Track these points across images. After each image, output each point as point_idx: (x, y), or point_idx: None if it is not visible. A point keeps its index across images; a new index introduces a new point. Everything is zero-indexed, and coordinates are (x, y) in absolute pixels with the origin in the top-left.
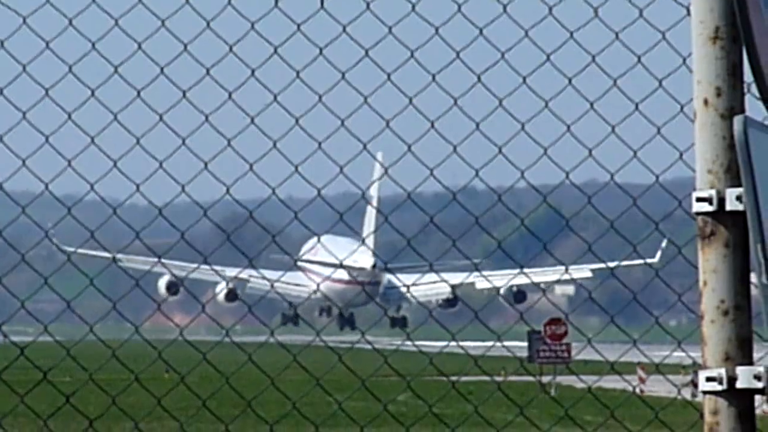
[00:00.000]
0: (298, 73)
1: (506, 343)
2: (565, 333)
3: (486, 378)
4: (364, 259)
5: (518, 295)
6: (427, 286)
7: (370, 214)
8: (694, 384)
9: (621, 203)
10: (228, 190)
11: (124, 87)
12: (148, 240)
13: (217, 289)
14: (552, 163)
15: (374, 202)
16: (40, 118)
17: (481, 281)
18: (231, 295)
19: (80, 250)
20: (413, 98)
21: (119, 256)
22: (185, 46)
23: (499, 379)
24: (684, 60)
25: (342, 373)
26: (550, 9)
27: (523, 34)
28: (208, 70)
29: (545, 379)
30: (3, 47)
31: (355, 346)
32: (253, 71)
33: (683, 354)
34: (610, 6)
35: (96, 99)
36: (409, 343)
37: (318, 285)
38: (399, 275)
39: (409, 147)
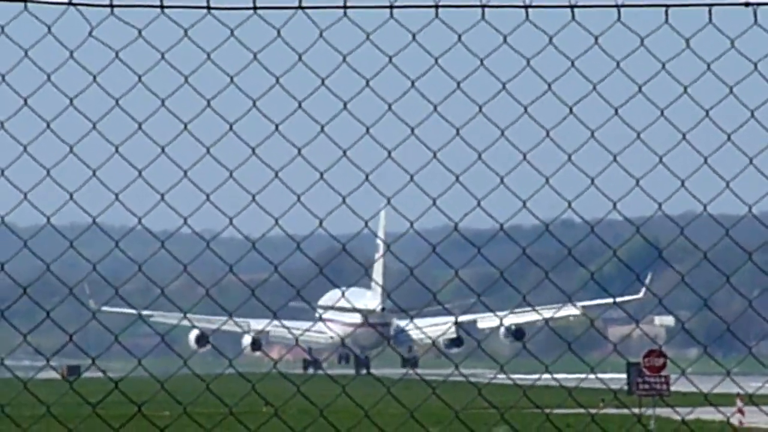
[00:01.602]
0: (390, 106)
1: (607, 375)
2: (664, 365)
3: (588, 411)
4: (373, 303)
5: (517, 333)
6: (432, 328)
7: (380, 260)
8: None
9: (716, 235)
10: (321, 223)
11: (216, 120)
12: (244, 275)
13: (243, 340)
14: (645, 194)
15: (381, 249)
16: (134, 153)
17: (483, 320)
18: (256, 345)
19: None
20: (504, 130)
21: (146, 312)
22: (277, 79)
23: (596, 411)
24: None
25: (438, 406)
26: (642, 40)
27: (615, 65)
28: (300, 103)
29: (646, 411)
30: (96, 82)
31: (450, 379)
32: (345, 104)
33: None
34: (702, 36)
35: (189, 132)
36: (502, 375)
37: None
38: (405, 319)
39: (502, 179)
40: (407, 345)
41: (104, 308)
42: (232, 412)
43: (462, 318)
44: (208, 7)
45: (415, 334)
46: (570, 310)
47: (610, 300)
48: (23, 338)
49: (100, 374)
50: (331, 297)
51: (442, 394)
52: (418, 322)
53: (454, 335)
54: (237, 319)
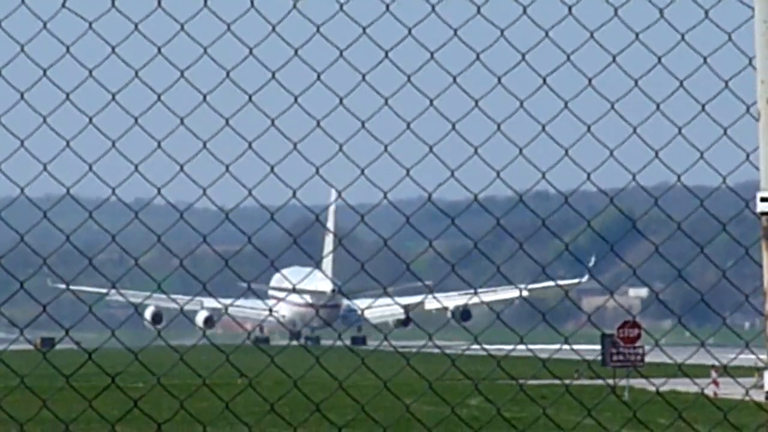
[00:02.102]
0: (363, 76)
1: (582, 347)
2: (639, 336)
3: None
4: (323, 284)
5: (464, 313)
6: (381, 309)
7: (328, 240)
8: None
9: (692, 206)
10: (294, 194)
11: (190, 91)
12: (218, 246)
13: (197, 317)
14: (619, 165)
15: (330, 226)
16: (107, 123)
17: (430, 302)
18: (209, 322)
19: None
20: (478, 101)
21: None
22: (251, 50)
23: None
24: (750, 61)
25: (413, 377)
26: (616, 10)
27: (588, 36)
28: (273, 74)
29: (620, 382)
30: (69, 53)
31: (423, 351)
32: (318, 75)
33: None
34: (675, 7)
35: (162, 103)
36: (477, 346)
37: (265, 310)
38: (356, 300)
39: (476, 150)
40: (357, 324)
41: (62, 286)
42: (206, 383)
43: (409, 300)
44: None
45: (365, 314)
46: (513, 293)
47: (551, 283)
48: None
49: (74, 346)
50: (281, 277)
51: (416, 366)
52: (368, 303)
53: (402, 316)
54: (189, 298)
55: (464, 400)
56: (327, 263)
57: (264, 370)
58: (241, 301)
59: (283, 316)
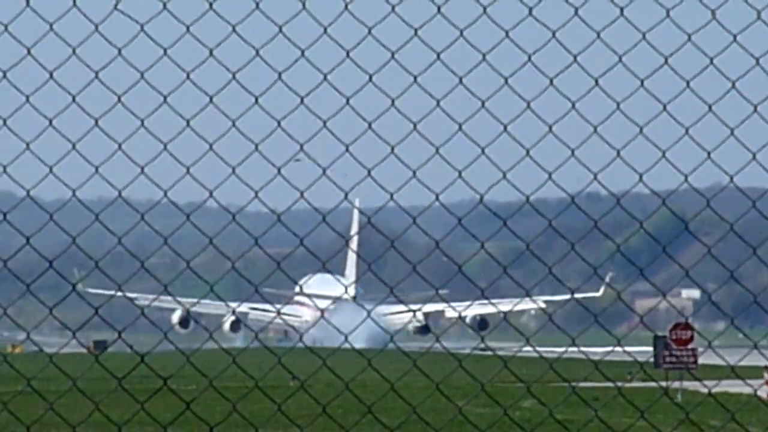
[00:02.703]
0: (415, 78)
1: (634, 349)
2: (691, 338)
3: (610, 384)
4: (341, 288)
5: (481, 323)
6: (401, 315)
7: (352, 253)
8: None
9: (744, 207)
10: (346, 196)
11: (241, 93)
12: (270, 249)
13: (224, 321)
14: (672, 166)
15: (354, 244)
16: (160, 127)
17: (449, 310)
18: (235, 326)
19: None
20: (531, 102)
21: (133, 295)
22: (302, 52)
23: (622, 384)
24: None
25: (466, 379)
26: (668, 12)
27: (640, 37)
28: (325, 76)
29: (674, 384)
30: (120, 54)
31: (475, 353)
32: (371, 77)
33: None
34: (727, 8)
35: (214, 105)
36: (529, 348)
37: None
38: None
39: (528, 152)
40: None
41: (91, 290)
42: (258, 385)
43: (429, 308)
44: None
45: (386, 320)
46: (529, 305)
47: (567, 296)
48: (49, 311)
49: (127, 349)
50: (307, 283)
51: (467, 368)
52: (390, 309)
53: (422, 323)
54: (216, 302)
55: (516, 402)
56: (351, 269)
57: (316, 372)
58: (268, 306)
59: (306, 321)
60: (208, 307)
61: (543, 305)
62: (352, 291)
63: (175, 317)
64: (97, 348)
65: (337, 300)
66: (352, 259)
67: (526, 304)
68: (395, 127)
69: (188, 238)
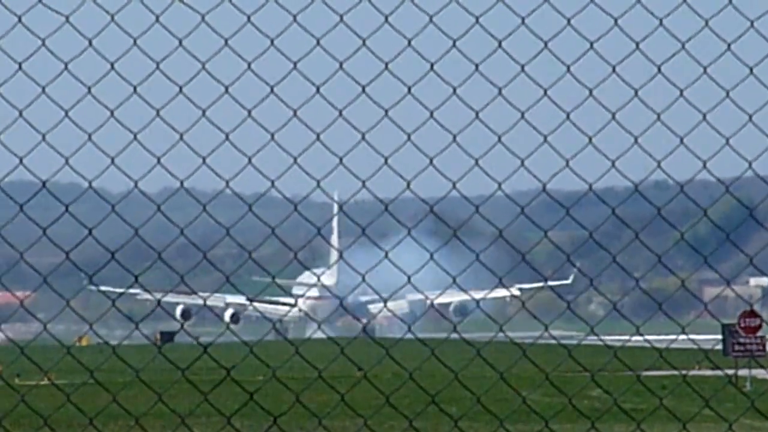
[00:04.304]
0: (477, 66)
1: (702, 337)
2: (760, 326)
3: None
4: (329, 280)
5: (462, 309)
6: (389, 303)
7: (334, 242)
8: None
9: None
10: (408, 185)
11: (303, 82)
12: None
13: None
14: (736, 153)
15: (335, 223)
16: (221, 116)
17: (433, 297)
18: (234, 318)
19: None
20: (593, 90)
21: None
22: (363, 41)
23: (686, 373)
24: None
25: (533, 369)
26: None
27: (703, 24)
28: (386, 65)
29: (742, 372)
30: (182, 45)
31: (540, 342)
32: (432, 65)
33: None
34: None
35: (276, 95)
36: (593, 338)
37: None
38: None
39: (590, 139)
40: (365, 317)
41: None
42: (321, 376)
43: (412, 297)
44: None
45: (372, 307)
46: (504, 292)
47: (540, 284)
48: (111, 303)
49: (193, 341)
50: (309, 274)
51: (533, 357)
52: (372, 298)
53: (407, 309)
54: (215, 294)
55: (583, 391)
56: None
57: (380, 362)
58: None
59: (300, 310)
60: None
61: (517, 293)
62: (332, 280)
63: (178, 310)
64: (163, 339)
65: (316, 289)
66: (335, 252)
67: (501, 292)
68: (455, 117)
69: (254, 229)
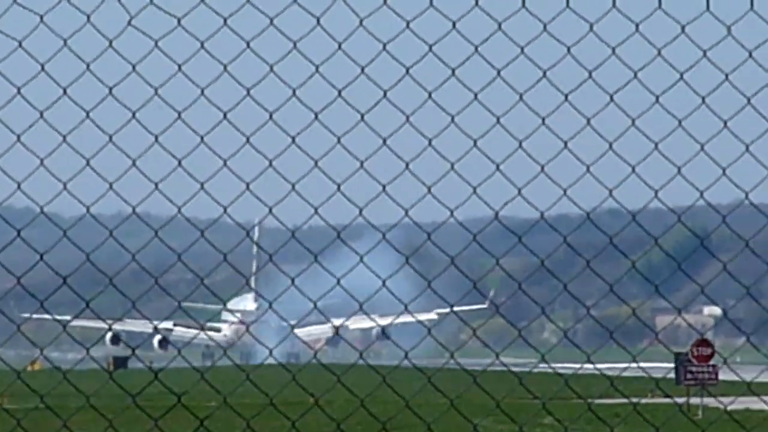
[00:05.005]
0: (430, 94)
1: (656, 365)
2: (712, 354)
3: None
4: (249, 303)
5: (383, 333)
6: (310, 327)
7: (254, 266)
8: None
9: (763, 223)
10: (360, 212)
11: (256, 109)
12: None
13: (154, 340)
14: (687, 183)
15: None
16: (174, 142)
17: (354, 323)
18: (163, 344)
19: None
20: (546, 118)
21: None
22: (317, 67)
23: (644, 401)
24: None
25: (481, 396)
26: (683, 28)
27: (656, 53)
28: (339, 92)
29: (694, 401)
30: (135, 71)
31: (491, 369)
32: (384, 92)
33: None
34: (744, 23)
35: (229, 122)
36: (545, 365)
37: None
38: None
39: (542, 168)
40: (290, 341)
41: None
42: (272, 402)
43: (337, 322)
44: None
45: (297, 332)
46: (429, 315)
47: (458, 309)
48: (63, 328)
49: (148, 365)
50: (234, 302)
51: (485, 384)
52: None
53: (330, 334)
54: (142, 320)
55: (535, 418)
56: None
57: (332, 388)
58: (191, 322)
59: (225, 335)
60: (134, 324)
61: (435, 317)
62: (253, 305)
63: (108, 337)
64: (116, 365)
65: (246, 313)
66: (253, 277)
67: (424, 316)
68: (410, 144)
69: (208, 255)
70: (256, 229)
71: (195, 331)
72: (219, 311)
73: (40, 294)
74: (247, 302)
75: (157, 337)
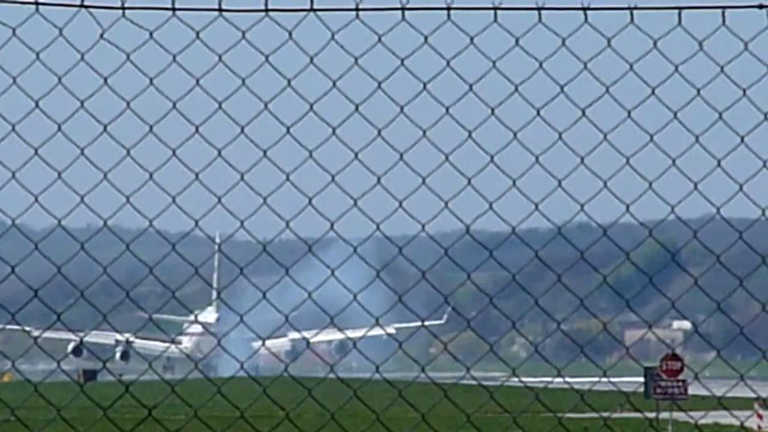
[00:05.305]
0: (402, 108)
1: (625, 379)
2: (682, 369)
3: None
4: (211, 316)
5: (341, 347)
6: (268, 341)
7: (215, 278)
8: None
9: (735, 239)
10: (332, 226)
11: (227, 122)
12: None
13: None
14: (658, 198)
15: (216, 259)
16: (146, 156)
17: (313, 336)
18: (125, 356)
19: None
20: (517, 133)
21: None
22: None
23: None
24: None
25: (452, 410)
26: (655, 42)
27: (628, 68)
28: (311, 106)
29: (664, 415)
30: (107, 84)
31: (462, 383)
32: (357, 106)
33: None
34: (715, 39)
35: (200, 135)
36: (515, 379)
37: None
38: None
39: (514, 182)
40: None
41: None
42: (243, 415)
43: (295, 335)
44: (220, 9)
45: (255, 345)
46: (388, 329)
47: (417, 324)
48: (34, 341)
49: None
50: (202, 313)
51: (454, 398)
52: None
53: (289, 347)
54: (104, 332)
55: None
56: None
57: (302, 402)
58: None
59: (186, 347)
60: (97, 336)
61: (393, 331)
62: (213, 318)
63: (70, 347)
64: (86, 377)
65: (208, 324)
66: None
67: (377, 331)
68: (382, 158)
69: (179, 268)
70: (218, 241)
71: (155, 344)
72: (181, 323)
73: (7, 306)
74: (207, 315)
75: (119, 349)
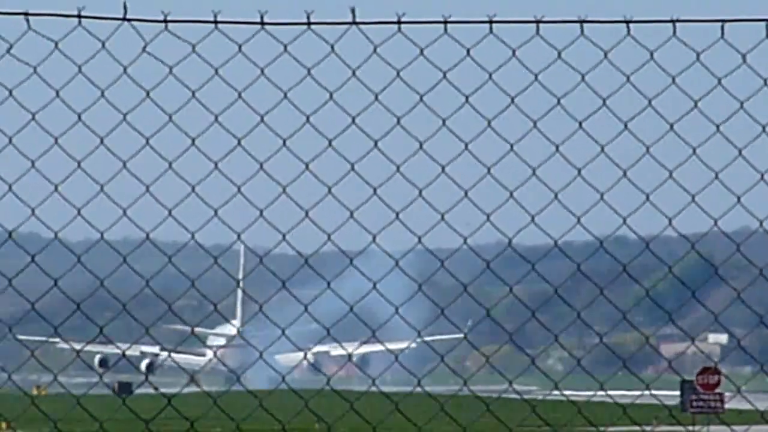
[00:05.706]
0: (444, 121)
1: (661, 392)
2: (718, 382)
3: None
4: (232, 328)
5: (363, 361)
6: (292, 354)
7: (239, 292)
8: None
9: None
10: (374, 239)
11: (270, 136)
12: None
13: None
14: (700, 210)
15: (240, 270)
16: (188, 169)
17: (335, 349)
18: (150, 368)
19: None
20: (559, 146)
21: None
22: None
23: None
24: None
25: (492, 422)
26: (698, 55)
27: (670, 81)
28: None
29: (698, 428)
30: (149, 97)
31: (503, 396)
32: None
33: None
34: (757, 53)
35: (243, 148)
36: (557, 392)
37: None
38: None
39: (556, 195)
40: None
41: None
42: (285, 428)
43: (317, 348)
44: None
45: (278, 357)
46: (412, 344)
47: (444, 337)
48: (76, 354)
49: (152, 391)
50: (218, 328)
51: (495, 411)
52: (279, 349)
53: (312, 361)
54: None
55: None
56: (239, 310)
57: (343, 416)
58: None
59: (210, 360)
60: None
61: (414, 345)
62: (235, 330)
63: (96, 360)
64: (121, 390)
65: (229, 337)
66: (239, 300)
67: (403, 344)
68: (421, 171)
69: (216, 281)
70: (242, 254)
71: (181, 356)
72: (205, 336)
73: (38, 318)
74: (231, 328)
75: (145, 361)
